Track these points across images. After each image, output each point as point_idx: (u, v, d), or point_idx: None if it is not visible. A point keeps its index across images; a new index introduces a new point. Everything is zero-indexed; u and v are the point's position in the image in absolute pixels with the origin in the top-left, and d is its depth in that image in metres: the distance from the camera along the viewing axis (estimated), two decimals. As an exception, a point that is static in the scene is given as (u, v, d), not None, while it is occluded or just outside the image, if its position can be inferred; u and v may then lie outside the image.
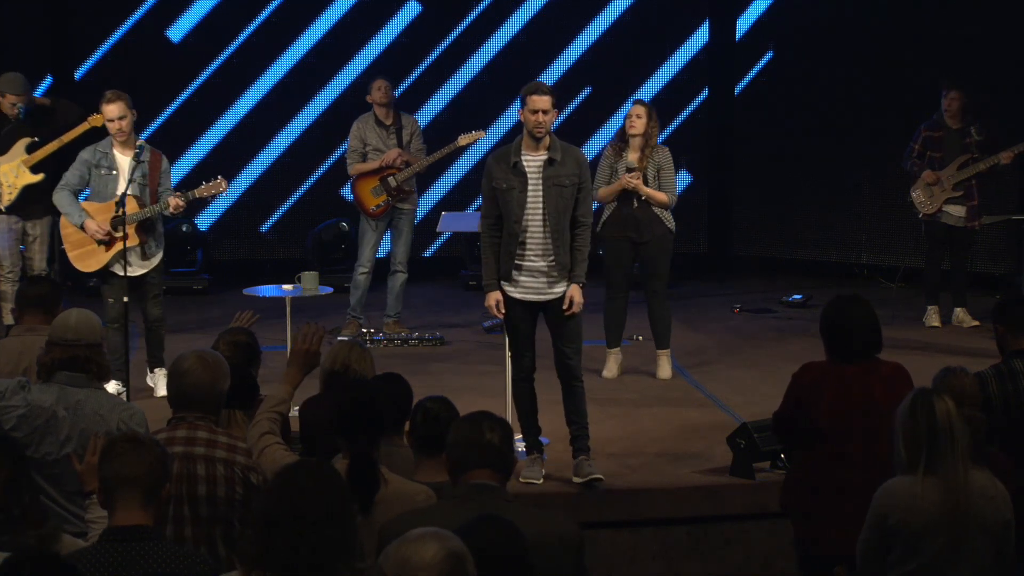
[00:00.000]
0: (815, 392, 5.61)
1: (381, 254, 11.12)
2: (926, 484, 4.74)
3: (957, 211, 11.07)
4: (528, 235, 7.15)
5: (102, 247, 8.76)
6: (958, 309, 11.21)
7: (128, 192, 8.48)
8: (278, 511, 3.64)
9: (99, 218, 8.73)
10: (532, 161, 7.16)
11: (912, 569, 4.79)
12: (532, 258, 7.18)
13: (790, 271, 13.77)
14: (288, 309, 8.72)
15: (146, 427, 5.38)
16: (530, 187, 7.13)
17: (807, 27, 13.85)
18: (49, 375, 5.47)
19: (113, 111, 8.69)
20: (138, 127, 9.00)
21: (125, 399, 7.93)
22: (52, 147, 9.49)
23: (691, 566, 7.30)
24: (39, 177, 9.50)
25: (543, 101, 7.12)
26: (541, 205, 7.12)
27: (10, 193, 9.50)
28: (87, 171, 8.78)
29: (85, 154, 8.82)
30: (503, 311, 7.27)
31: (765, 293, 12.80)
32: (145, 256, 8.80)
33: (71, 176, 8.81)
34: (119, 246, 8.48)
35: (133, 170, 8.66)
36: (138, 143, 8.66)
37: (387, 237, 11.00)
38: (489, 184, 7.20)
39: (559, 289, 7.23)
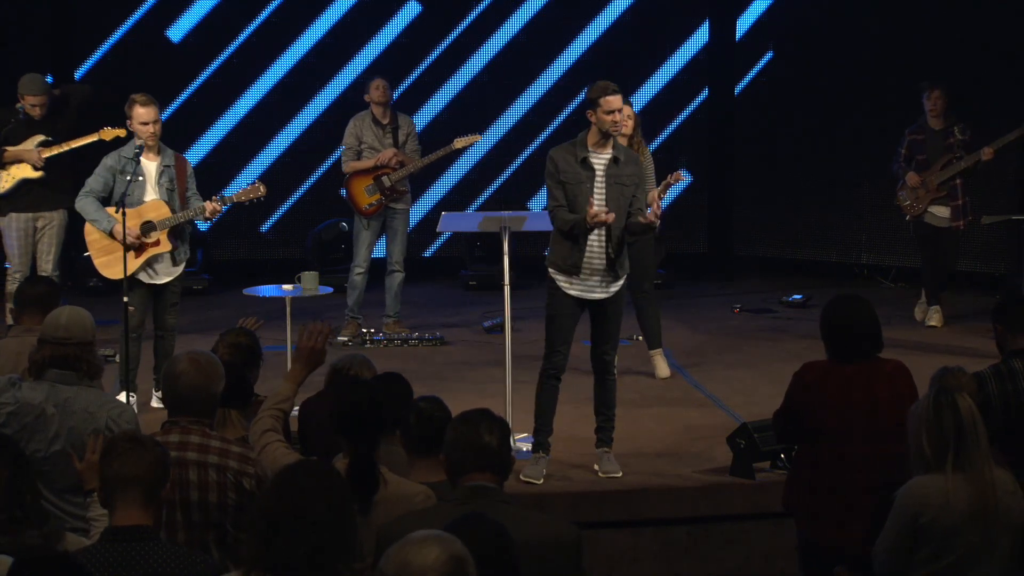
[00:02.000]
0: (817, 391, 5.61)
1: (379, 254, 11.12)
2: (955, 482, 4.75)
3: (942, 212, 11.09)
4: (591, 231, 7.22)
5: (130, 253, 8.41)
6: (935, 305, 11.24)
7: (159, 198, 8.48)
8: (278, 511, 3.64)
9: (129, 224, 8.34)
10: (599, 159, 7.28)
11: (941, 567, 4.78)
12: (592, 255, 7.27)
13: (790, 271, 13.77)
14: (288, 309, 8.72)
15: (136, 425, 5.39)
16: (596, 184, 7.26)
17: (807, 27, 13.85)
18: (40, 373, 5.47)
19: (148, 115, 8.48)
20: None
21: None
22: (61, 148, 9.53)
23: (691, 566, 7.30)
24: (38, 174, 9.55)
25: (617, 101, 7.25)
26: (604, 203, 7.20)
27: (6, 182, 9.55)
28: (111, 177, 8.53)
29: (109, 160, 8.58)
30: (603, 216, 7.11)
31: (765, 293, 12.80)
32: (175, 262, 8.66)
33: (95, 183, 8.56)
34: (149, 252, 8.46)
35: (160, 175, 8.55)
36: (137, 145, 8.52)
37: (384, 237, 10.99)
38: (557, 177, 7.29)
39: (614, 288, 7.32)
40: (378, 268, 11.05)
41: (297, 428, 6.24)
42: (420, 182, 13.65)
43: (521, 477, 7.26)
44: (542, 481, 7.34)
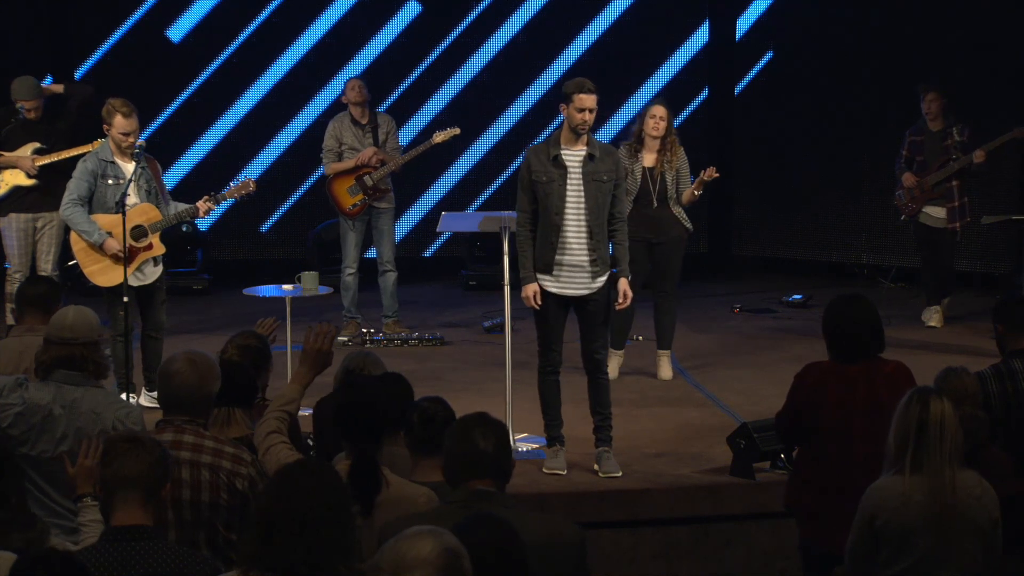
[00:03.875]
0: (818, 392, 5.61)
1: (371, 255, 11.11)
2: (912, 483, 4.74)
3: (937, 212, 11.10)
4: (568, 229, 7.21)
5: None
6: (934, 305, 11.24)
7: (141, 201, 8.42)
8: (278, 511, 3.64)
9: (117, 231, 8.25)
10: (572, 156, 7.26)
11: (902, 569, 4.79)
12: (571, 252, 7.24)
13: (790, 271, 13.78)
14: (288, 309, 8.72)
15: (143, 425, 5.39)
16: (570, 181, 7.22)
17: (807, 27, 13.85)
18: (47, 373, 5.47)
19: (130, 126, 8.42)
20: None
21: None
22: (55, 157, 9.54)
23: (691, 566, 7.30)
24: (32, 182, 9.57)
25: (590, 100, 7.25)
26: (582, 199, 7.20)
27: (0, 187, 9.57)
28: (94, 181, 8.46)
29: (89, 164, 8.50)
30: (539, 303, 7.26)
31: (765, 293, 12.80)
32: (156, 262, 8.62)
33: (80, 189, 8.45)
34: (142, 257, 8.43)
35: (139, 178, 8.48)
36: (136, 145, 8.47)
37: (374, 237, 10.97)
38: (528, 177, 7.27)
39: (596, 285, 7.28)
40: (370, 268, 11.04)
41: (312, 428, 6.23)
42: (420, 182, 13.67)
43: (544, 470, 7.32)
44: (566, 471, 7.37)
